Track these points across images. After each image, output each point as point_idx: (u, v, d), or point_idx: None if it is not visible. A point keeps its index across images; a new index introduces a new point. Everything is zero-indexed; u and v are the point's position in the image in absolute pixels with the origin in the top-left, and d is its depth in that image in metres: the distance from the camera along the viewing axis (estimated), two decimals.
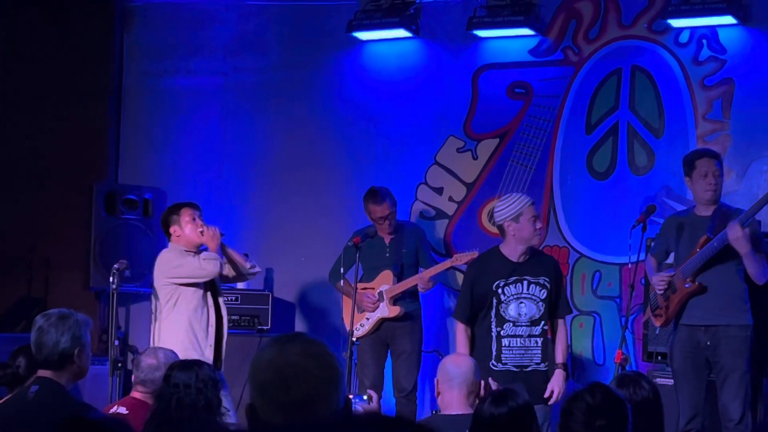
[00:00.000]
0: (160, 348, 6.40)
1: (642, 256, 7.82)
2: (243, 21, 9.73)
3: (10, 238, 9.71)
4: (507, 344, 7.08)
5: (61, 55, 9.79)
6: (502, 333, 7.10)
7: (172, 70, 9.90)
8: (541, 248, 8.80)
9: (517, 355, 7.10)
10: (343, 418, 2.46)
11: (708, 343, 7.16)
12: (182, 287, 7.49)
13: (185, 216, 7.65)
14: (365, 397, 5.89)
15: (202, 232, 7.59)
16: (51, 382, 5.05)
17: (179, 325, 7.47)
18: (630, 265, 7.94)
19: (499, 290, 7.16)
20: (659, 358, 7.88)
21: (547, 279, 7.12)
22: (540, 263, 7.26)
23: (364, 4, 9.14)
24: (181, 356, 6.12)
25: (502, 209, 7.11)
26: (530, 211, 7.04)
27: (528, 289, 7.17)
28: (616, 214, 8.55)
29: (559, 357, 7.04)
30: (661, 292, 7.25)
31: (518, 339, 7.11)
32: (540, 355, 7.06)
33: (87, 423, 3.31)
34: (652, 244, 7.63)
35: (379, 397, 7.18)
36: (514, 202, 7.08)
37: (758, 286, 7.34)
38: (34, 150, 9.75)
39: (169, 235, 7.71)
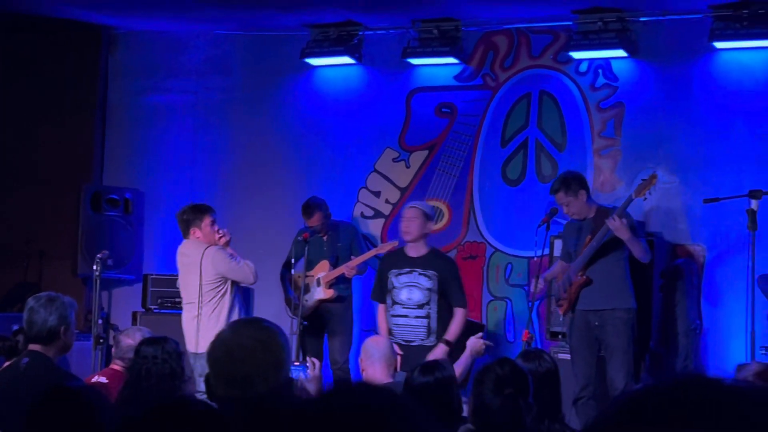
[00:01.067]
0: (138, 329, 6.34)
1: (546, 251, 7.93)
2: (211, 47, 9.69)
3: (8, 232, 9.60)
4: (396, 322, 7.32)
5: (55, 74, 9.69)
6: (392, 313, 7.35)
7: (150, 88, 9.84)
8: (462, 243, 8.92)
9: (404, 332, 7.29)
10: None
11: (597, 323, 7.33)
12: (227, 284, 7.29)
13: (207, 219, 7.45)
14: (308, 365, 5.87)
15: (220, 238, 7.40)
16: (40, 354, 5.05)
17: (223, 314, 7.28)
18: (536, 258, 8.06)
19: (393, 278, 7.42)
20: (560, 337, 7.98)
21: (435, 273, 7.26)
22: (434, 260, 7.39)
23: (315, 35, 9.16)
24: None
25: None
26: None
27: (417, 279, 7.34)
28: (525, 216, 8.56)
29: (448, 336, 7.13)
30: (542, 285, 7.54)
31: (405, 318, 7.31)
32: (425, 333, 7.22)
33: (67, 390, 3.27)
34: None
35: (320, 366, 7.20)
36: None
37: (637, 275, 7.51)
38: (30, 155, 9.66)
39: (186, 232, 7.45)
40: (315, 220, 8.29)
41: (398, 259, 7.45)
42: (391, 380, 5.50)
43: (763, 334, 7.19)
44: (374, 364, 5.66)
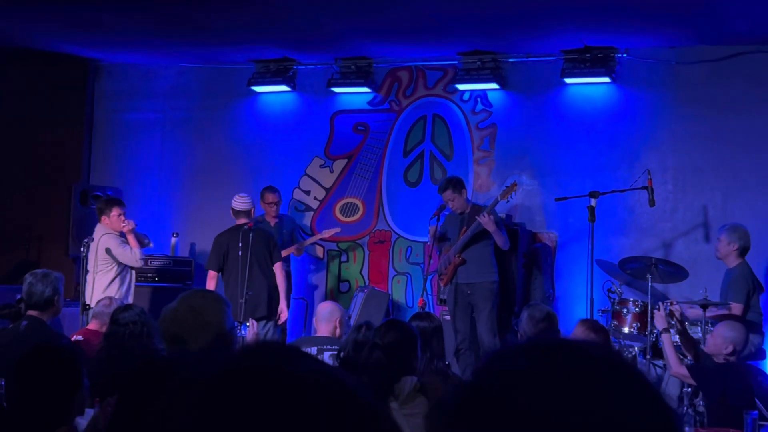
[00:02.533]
0: (114, 297, 6.29)
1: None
2: (176, 76, 9.58)
3: (12, 221, 9.46)
4: None
5: (52, 95, 9.59)
6: None
7: (127, 108, 9.71)
8: (373, 231, 8.97)
9: None
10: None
11: (469, 292, 7.49)
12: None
13: (114, 211, 7.54)
14: (248, 324, 5.93)
15: (123, 226, 7.52)
16: (37, 318, 5.07)
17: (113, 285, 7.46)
18: (429, 243, 8.15)
19: None
20: (446, 303, 7.95)
21: None
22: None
23: (259, 68, 9.13)
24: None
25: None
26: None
27: None
28: (421, 210, 8.56)
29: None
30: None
31: None
32: None
33: (49, 347, 3.20)
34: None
35: (257, 326, 7.25)
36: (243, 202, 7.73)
37: (505, 256, 7.68)
38: (32, 160, 9.54)
39: (99, 217, 7.63)
40: (276, 197, 8.31)
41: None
42: (329, 335, 5.61)
43: (599, 301, 7.32)
44: (320, 323, 5.81)
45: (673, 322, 6.02)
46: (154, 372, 1.97)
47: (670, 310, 5.84)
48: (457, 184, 7.58)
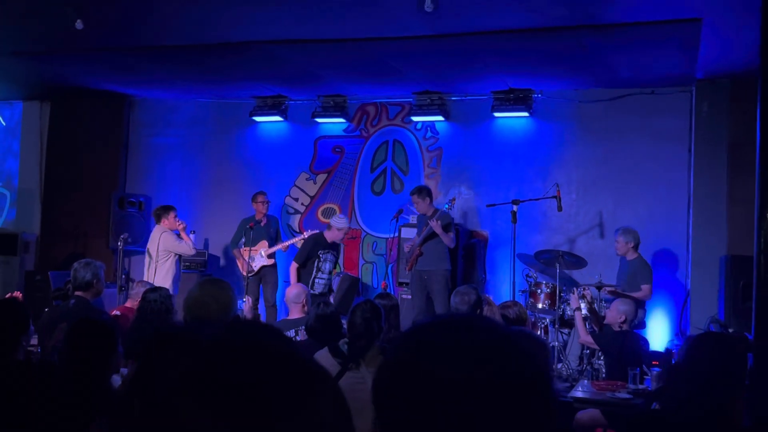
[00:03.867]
0: (146, 281, 6.28)
1: (396, 234, 8.01)
2: (194, 109, 9.52)
3: (65, 220, 9.37)
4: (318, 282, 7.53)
5: (97, 123, 9.51)
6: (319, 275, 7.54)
7: (154, 133, 9.66)
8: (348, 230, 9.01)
9: (321, 286, 7.52)
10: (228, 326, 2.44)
11: (426, 278, 7.39)
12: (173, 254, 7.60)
13: (171, 214, 7.62)
14: (244, 300, 5.84)
15: (179, 224, 7.70)
16: (82, 298, 4.97)
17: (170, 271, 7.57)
18: (390, 238, 8.16)
19: (321, 254, 7.47)
20: (404, 285, 7.97)
21: (335, 252, 7.65)
22: (335, 246, 7.70)
23: (258, 102, 9.11)
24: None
25: (337, 220, 7.66)
26: (344, 230, 7.64)
27: (330, 256, 7.56)
28: (384, 213, 8.57)
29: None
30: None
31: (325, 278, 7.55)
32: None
33: (91, 320, 3.20)
34: None
35: (255, 300, 7.23)
36: (342, 222, 7.64)
37: (454, 250, 7.64)
38: (81, 174, 9.45)
39: (159, 220, 7.67)
40: (266, 199, 8.19)
41: (323, 242, 7.63)
42: (303, 316, 5.44)
43: (519, 283, 7.35)
44: (290, 304, 5.69)
45: (583, 303, 6.15)
46: (164, 341, 1.98)
47: (583, 293, 5.90)
48: (421, 191, 7.53)
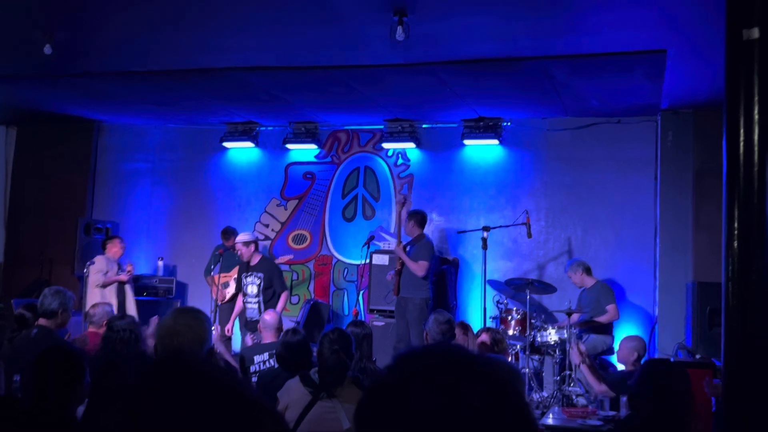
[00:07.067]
0: (99, 303, 6.04)
1: (367, 261, 7.96)
2: (164, 134, 9.46)
3: (30, 246, 9.24)
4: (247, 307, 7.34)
5: (64, 148, 9.43)
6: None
7: (123, 159, 9.55)
8: (318, 256, 8.89)
9: (250, 311, 7.34)
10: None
11: (403, 305, 7.25)
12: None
13: (114, 241, 7.72)
14: (213, 328, 5.75)
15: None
16: (45, 327, 4.84)
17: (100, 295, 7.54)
18: (361, 265, 8.14)
19: (243, 277, 7.43)
20: (376, 312, 7.88)
21: (261, 274, 7.34)
22: (263, 267, 7.43)
23: (229, 128, 9.07)
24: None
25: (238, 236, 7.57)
26: (241, 247, 7.38)
27: (252, 279, 7.36)
28: (355, 239, 8.58)
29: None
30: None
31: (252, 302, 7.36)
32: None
33: (58, 349, 3.13)
34: None
35: (224, 329, 7.15)
36: (241, 236, 7.49)
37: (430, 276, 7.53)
38: (48, 199, 9.34)
39: (104, 249, 7.63)
40: (231, 241, 8.12)
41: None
42: (275, 340, 5.36)
43: (490, 309, 7.36)
44: (265, 330, 5.60)
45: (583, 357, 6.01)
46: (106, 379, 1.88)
47: (578, 348, 5.83)
48: (412, 216, 7.40)
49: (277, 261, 8.32)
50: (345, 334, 3.90)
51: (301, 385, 3.60)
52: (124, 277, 7.68)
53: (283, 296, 7.31)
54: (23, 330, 5.08)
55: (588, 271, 7.35)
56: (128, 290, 7.76)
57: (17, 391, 3.71)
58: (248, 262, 7.39)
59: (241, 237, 7.48)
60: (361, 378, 3.80)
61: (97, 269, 7.62)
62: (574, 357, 5.61)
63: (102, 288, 7.54)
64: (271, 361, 5.08)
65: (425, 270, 7.16)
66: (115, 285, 7.65)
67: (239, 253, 7.37)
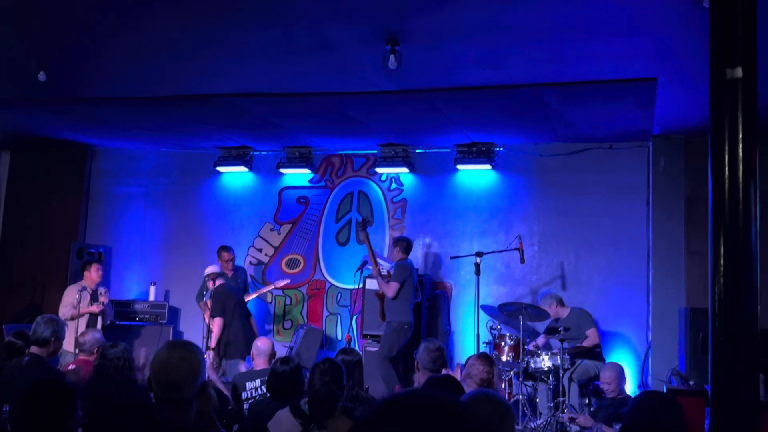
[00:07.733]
0: (88, 331, 6.00)
1: (360, 286, 7.91)
2: (157, 158, 9.48)
3: (22, 271, 9.17)
4: None
5: (58, 173, 9.42)
6: None
7: (117, 183, 9.55)
8: (311, 280, 8.89)
9: None
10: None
11: (389, 329, 7.30)
12: None
13: (91, 267, 7.79)
14: (205, 356, 5.72)
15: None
16: (36, 355, 4.80)
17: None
18: (354, 290, 8.12)
19: None
20: (369, 337, 7.89)
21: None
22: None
23: (223, 153, 9.09)
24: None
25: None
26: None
27: None
28: (349, 264, 8.58)
29: None
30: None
31: None
32: None
33: (50, 381, 3.10)
34: None
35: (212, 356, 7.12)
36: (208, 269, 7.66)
37: (420, 302, 7.60)
38: (40, 223, 9.30)
39: (83, 276, 7.69)
40: (231, 255, 8.13)
41: None
42: (268, 367, 5.33)
43: (483, 335, 7.36)
44: (258, 357, 5.59)
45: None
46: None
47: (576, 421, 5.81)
48: (397, 242, 7.56)
49: (272, 286, 8.31)
50: (336, 365, 3.87)
51: (291, 416, 3.58)
52: (95, 308, 7.60)
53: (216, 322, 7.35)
54: (14, 358, 5.03)
55: (561, 302, 7.40)
56: (99, 321, 7.67)
57: (6, 423, 3.67)
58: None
59: (207, 270, 7.66)
60: (352, 407, 3.79)
61: (66, 302, 7.54)
62: (585, 423, 5.69)
63: (71, 320, 7.44)
64: (262, 388, 5.06)
65: (394, 291, 7.28)
66: (86, 315, 7.59)
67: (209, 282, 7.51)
